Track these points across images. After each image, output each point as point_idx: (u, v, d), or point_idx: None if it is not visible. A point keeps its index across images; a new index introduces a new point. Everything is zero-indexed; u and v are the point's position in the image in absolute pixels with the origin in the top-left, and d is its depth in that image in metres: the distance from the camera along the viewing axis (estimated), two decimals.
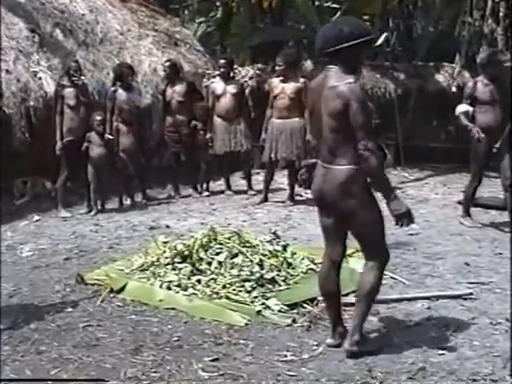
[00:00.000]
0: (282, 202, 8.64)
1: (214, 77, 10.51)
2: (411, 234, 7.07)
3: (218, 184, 9.77)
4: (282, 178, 9.33)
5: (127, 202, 8.75)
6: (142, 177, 8.96)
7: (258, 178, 9.59)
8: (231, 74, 9.22)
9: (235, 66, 10.60)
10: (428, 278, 5.68)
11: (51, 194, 8.86)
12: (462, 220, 7.51)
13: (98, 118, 8.16)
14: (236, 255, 5.69)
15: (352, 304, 4.95)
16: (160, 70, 10.15)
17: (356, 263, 5.88)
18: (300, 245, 6.54)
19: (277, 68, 8.38)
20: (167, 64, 9.22)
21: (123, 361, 4.10)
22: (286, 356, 4.22)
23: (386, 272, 5.60)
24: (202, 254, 5.71)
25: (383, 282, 5.42)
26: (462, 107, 7.21)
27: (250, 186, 9.32)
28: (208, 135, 9.04)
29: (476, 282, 5.57)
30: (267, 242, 6.10)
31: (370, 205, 4.08)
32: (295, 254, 6.06)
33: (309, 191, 9.13)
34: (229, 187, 9.43)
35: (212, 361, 4.12)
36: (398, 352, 4.26)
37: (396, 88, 10.48)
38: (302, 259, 5.97)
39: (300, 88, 8.28)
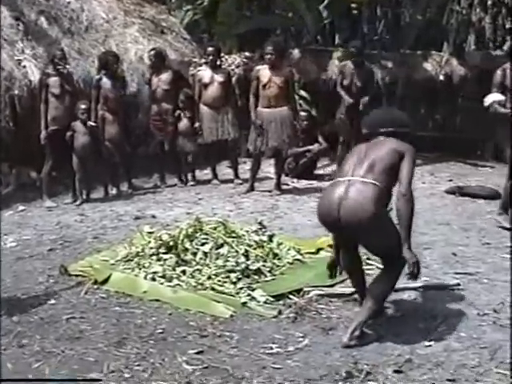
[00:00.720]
0: (269, 191, 8.59)
1: (201, 65, 10.45)
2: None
3: (205, 173, 9.69)
4: (268, 167, 9.26)
5: (113, 191, 8.68)
6: (128, 166, 8.87)
7: (245, 167, 9.53)
8: (218, 62, 9.13)
9: (222, 54, 10.53)
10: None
11: (36, 183, 8.76)
12: (498, 218, 6.98)
13: (83, 106, 8.06)
14: (221, 246, 5.64)
15: (341, 295, 4.96)
16: (146, 59, 10.03)
17: None
18: (286, 235, 6.49)
19: (265, 56, 8.27)
20: (152, 52, 9.13)
21: (106, 354, 4.05)
22: (271, 348, 4.17)
23: (372, 262, 5.66)
24: (187, 245, 5.67)
25: (370, 272, 5.49)
26: (494, 96, 6.96)
27: (236, 175, 9.26)
28: (196, 124, 8.94)
29: (463, 272, 5.54)
30: (253, 232, 6.06)
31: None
32: (281, 244, 6.02)
33: (295, 180, 9.23)
34: (215, 176, 9.36)
35: (196, 353, 4.07)
36: (384, 344, 4.23)
37: (384, 76, 10.42)
38: (288, 250, 5.94)
39: (288, 77, 8.23)
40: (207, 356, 4.04)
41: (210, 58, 9.00)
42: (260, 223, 6.30)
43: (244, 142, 9.07)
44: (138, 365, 3.90)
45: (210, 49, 9.07)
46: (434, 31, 11.54)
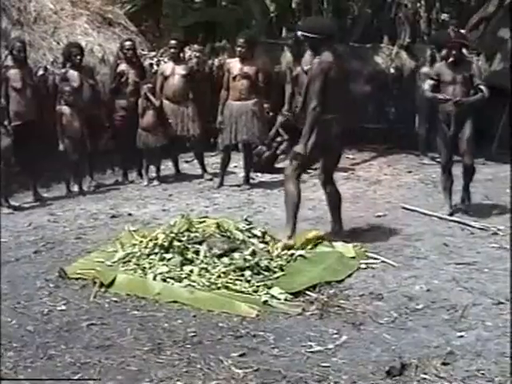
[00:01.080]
0: (238, 185, 8.47)
1: (152, 58, 10.23)
2: (379, 216, 7.11)
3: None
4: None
5: (74, 188, 8.33)
6: (90, 162, 8.55)
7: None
8: (181, 56, 8.92)
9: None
10: (414, 260, 5.70)
11: None
12: None
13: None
14: (223, 244, 5.52)
15: None
16: (97, 51, 9.73)
17: (342, 247, 5.86)
18: (274, 230, 6.38)
19: (237, 49, 8.15)
20: (128, 43, 8.79)
21: (148, 362, 3.87)
22: (311, 347, 4.10)
23: (375, 255, 5.68)
24: (183, 244, 5.51)
25: (374, 265, 5.51)
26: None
27: (204, 170, 9.05)
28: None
29: (462, 262, 5.62)
30: (245, 229, 5.97)
31: None
32: (274, 240, 5.94)
33: (259, 174, 9.14)
34: (178, 171, 9.17)
35: (240, 356, 3.95)
36: (418, 336, 4.25)
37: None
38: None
39: (259, 69, 8.15)
40: (252, 358, 3.94)
41: (172, 50, 8.78)
42: (246, 219, 6.22)
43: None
44: (187, 371, 3.75)
45: (173, 41, 8.85)
46: (382, 24, 11.68)
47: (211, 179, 8.75)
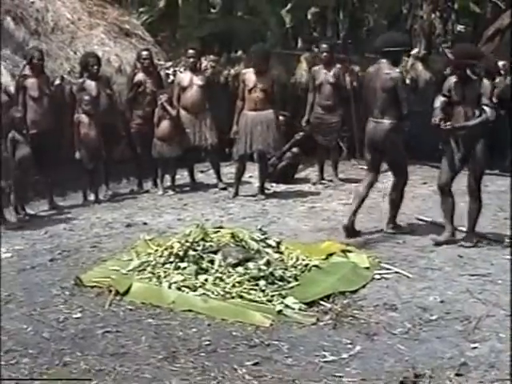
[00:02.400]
0: (253, 195, 8.50)
1: (168, 68, 10.30)
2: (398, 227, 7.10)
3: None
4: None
5: (91, 197, 8.40)
6: (106, 171, 8.61)
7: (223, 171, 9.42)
8: (198, 66, 8.98)
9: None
10: (428, 271, 5.69)
11: (5, 190, 8.35)
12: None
13: (18, 115, 7.46)
14: (237, 253, 5.54)
15: None
16: (114, 61, 9.81)
17: (356, 258, 5.87)
18: (288, 240, 6.40)
19: (252, 60, 8.21)
20: (146, 53, 8.86)
21: (162, 370, 3.90)
22: (325, 356, 4.11)
23: (389, 266, 5.68)
24: (198, 253, 5.54)
25: (388, 276, 5.52)
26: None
27: (220, 179, 9.10)
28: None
29: (476, 274, 5.61)
30: (260, 239, 5.98)
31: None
32: (288, 250, 5.96)
33: (274, 184, 9.16)
34: (193, 181, 9.22)
35: (254, 365, 3.97)
36: (432, 347, 4.26)
37: (352, 80, 10.47)
38: (298, 256, 5.85)
39: (273, 80, 8.20)
40: (266, 367, 3.96)
41: (190, 60, 8.83)
42: (260, 229, 6.24)
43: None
44: (201, 380, 3.77)
45: (191, 51, 8.91)
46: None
47: (225, 188, 8.80)
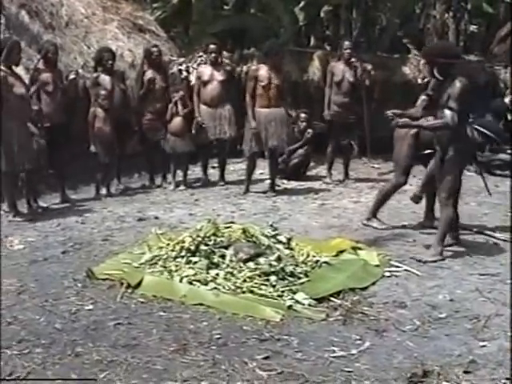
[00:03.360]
0: (264, 192, 8.53)
1: (181, 64, 10.35)
2: (404, 226, 7.12)
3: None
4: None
5: (103, 191, 8.45)
6: (118, 165, 8.67)
7: (229, 168, 9.46)
8: (219, 60, 9.02)
9: (200, 54, 10.48)
10: (438, 270, 5.70)
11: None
12: None
13: (34, 108, 7.49)
14: (249, 249, 5.57)
15: None
16: (127, 57, 9.86)
17: (367, 255, 5.90)
18: (299, 237, 6.43)
19: (267, 57, 8.24)
20: (154, 50, 8.90)
21: (173, 362, 3.93)
22: (334, 352, 4.14)
23: (398, 264, 5.71)
24: (210, 248, 5.58)
25: (398, 274, 5.54)
26: None
27: (222, 177, 9.16)
28: (198, 119, 8.84)
29: (486, 273, 5.62)
30: (271, 235, 6.02)
31: None
32: (299, 246, 5.99)
33: (285, 181, 9.20)
34: (206, 176, 9.28)
35: (264, 358, 4.00)
36: (441, 344, 4.27)
37: (365, 78, 10.44)
38: (308, 253, 5.87)
39: (285, 77, 8.24)
40: (275, 361, 3.98)
41: (212, 55, 8.87)
42: (272, 225, 6.27)
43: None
44: (212, 372, 3.81)
45: (212, 46, 8.95)
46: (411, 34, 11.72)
47: (223, 185, 8.94)
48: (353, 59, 9.02)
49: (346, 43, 9.15)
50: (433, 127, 5.98)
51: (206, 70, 8.89)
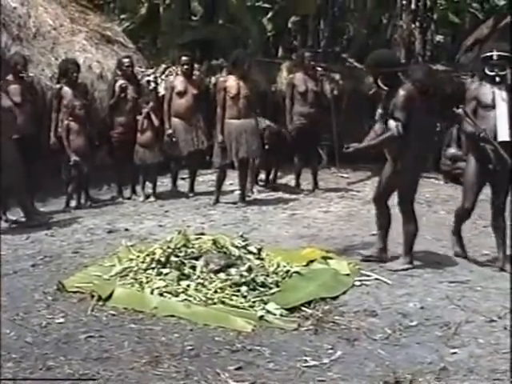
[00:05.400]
0: (234, 202, 8.54)
1: (149, 75, 10.34)
2: (373, 235, 7.16)
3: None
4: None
5: (72, 203, 8.39)
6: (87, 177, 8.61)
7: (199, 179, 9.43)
8: (192, 72, 9.03)
9: (168, 65, 10.50)
10: (408, 278, 5.76)
11: None
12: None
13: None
14: (219, 260, 5.57)
15: None
16: (95, 68, 9.83)
17: (337, 265, 5.93)
18: (269, 247, 6.45)
19: (234, 67, 8.26)
20: (127, 60, 8.87)
21: (146, 374, 3.91)
22: (306, 361, 4.16)
23: (368, 273, 5.75)
24: (180, 259, 5.57)
25: (368, 283, 5.58)
26: None
27: (192, 189, 9.16)
28: (169, 131, 8.82)
29: (455, 281, 5.68)
30: (242, 246, 6.03)
31: None
32: (269, 256, 6.00)
33: (255, 191, 9.21)
34: (175, 187, 9.26)
35: (236, 369, 4.00)
36: (412, 352, 4.31)
37: (332, 89, 10.55)
38: (279, 263, 5.89)
39: (253, 87, 8.27)
40: (248, 371, 3.99)
41: (185, 67, 8.87)
42: (242, 236, 6.28)
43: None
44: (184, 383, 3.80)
45: (185, 58, 8.95)
46: (377, 45, 11.81)
47: (191, 196, 8.95)
48: (317, 68, 9.09)
49: (307, 54, 9.26)
50: (380, 143, 5.83)
51: (179, 82, 8.88)
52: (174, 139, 8.81)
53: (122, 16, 13.37)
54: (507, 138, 5.77)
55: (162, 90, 10.06)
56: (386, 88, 5.74)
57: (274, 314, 4.83)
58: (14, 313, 4.85)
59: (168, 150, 8.88)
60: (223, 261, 5.51)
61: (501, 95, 5.83)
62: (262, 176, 9.74)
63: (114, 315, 4.83)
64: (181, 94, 8.78)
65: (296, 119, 9.14)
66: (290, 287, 5.38)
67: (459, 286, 5.57)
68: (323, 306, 5.04)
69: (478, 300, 5.24)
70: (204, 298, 5.02)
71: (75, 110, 8.07)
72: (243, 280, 5.25)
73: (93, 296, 5.09)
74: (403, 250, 6.04)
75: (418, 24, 12.35)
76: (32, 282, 5.54)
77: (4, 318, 4.75)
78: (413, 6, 12.18)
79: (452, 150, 10.11)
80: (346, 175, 10.42)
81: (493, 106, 5.84)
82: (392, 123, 5.63)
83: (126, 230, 7.26)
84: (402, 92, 5.62)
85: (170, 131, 8.81)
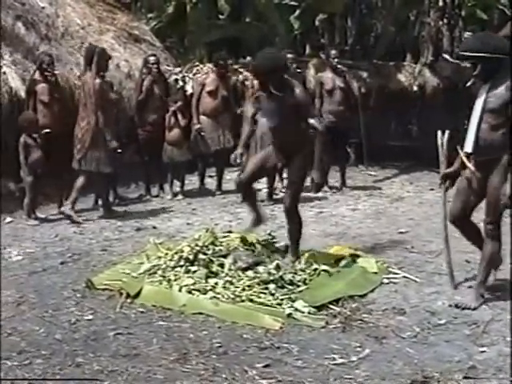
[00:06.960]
0: (262, 201, 8.51)
1: (176, 73, 10.37)
2: (401, 233, 7.15)
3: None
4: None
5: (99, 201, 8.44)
6: (116, 175, 8.65)
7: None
8: (225, 72, 9.08)
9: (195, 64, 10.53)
10: (436, 276, 5.72)
11: (15, 194, 8.42)
12: None
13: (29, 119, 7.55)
14: (247, 257, 5.59)
15: None
16: (123, 67, 9.89)
17: (365, 263, 5.91)
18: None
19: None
20: (153, 58, 8.90)
21: (174, 371, 3.94)
22: (334, 359, 4.15)
23: (397, 271, 5.72)
24: (208, 257, 5.59)
25: (396, 281, 5.55)
26: None
27: (219, 186, 9.18)
28: (197, 126, 8.87)
29: None
30: (269, 243, 6.05)
31: None
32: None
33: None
34: (202, 185, 9.29)
35: (264, 367, 4.01)
36: (441, 351, 4.29)
37: (360, 86, 10.53)
38: (307, 261, 5.87)
39: None
40: (276, 369, 4.00)
41: (221, 70, 9.00)
42: (270, 234, 6.29)
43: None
44: (212, 381, 3.82)
45: (221, 61, 9.04)
46: (405, 42, 11.77)
47: (218, 194, 8.98)
48: (339, 66, 9.05)
49: (333, 52, 9.26)
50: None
51: (211, 81, 8.94)
52: (202, 133, 8.81)
53: (150, 15, 13.41)
54: None
55: (189, 89, 10.08)
56: (279, 94, 5.30)
57: (302, 312, 4.83)
58: (44, 310, 4.91)
59: (195, 147, 8.89)
60: (251, 259, 5.53)
61: None
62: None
63: (142, 312, 4.87)
64: (211, 93, 8.83)
65: (324, 117, 9.10)
66: (318, 285, 5.37)
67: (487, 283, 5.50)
68: (351, 304, 5.04)
69: (505, 298, 5.18)
70: (232, 296, 5.03)
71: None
72: (271, 278, 5.26)
73: (121, 293, 5.14)
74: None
75: (445, 21, 12.23)
76: (61, 280, 5.59)
77: (33, 315, 4.82)
78: (440, 3, 12.07)
79: None
80: (373, 173, 10.36)
81: None
82: (313, 120, 5.43)
83: (154, 227, 7.30)
84: (299, 93, 5.35)
85: (198, 126, 8.83)
